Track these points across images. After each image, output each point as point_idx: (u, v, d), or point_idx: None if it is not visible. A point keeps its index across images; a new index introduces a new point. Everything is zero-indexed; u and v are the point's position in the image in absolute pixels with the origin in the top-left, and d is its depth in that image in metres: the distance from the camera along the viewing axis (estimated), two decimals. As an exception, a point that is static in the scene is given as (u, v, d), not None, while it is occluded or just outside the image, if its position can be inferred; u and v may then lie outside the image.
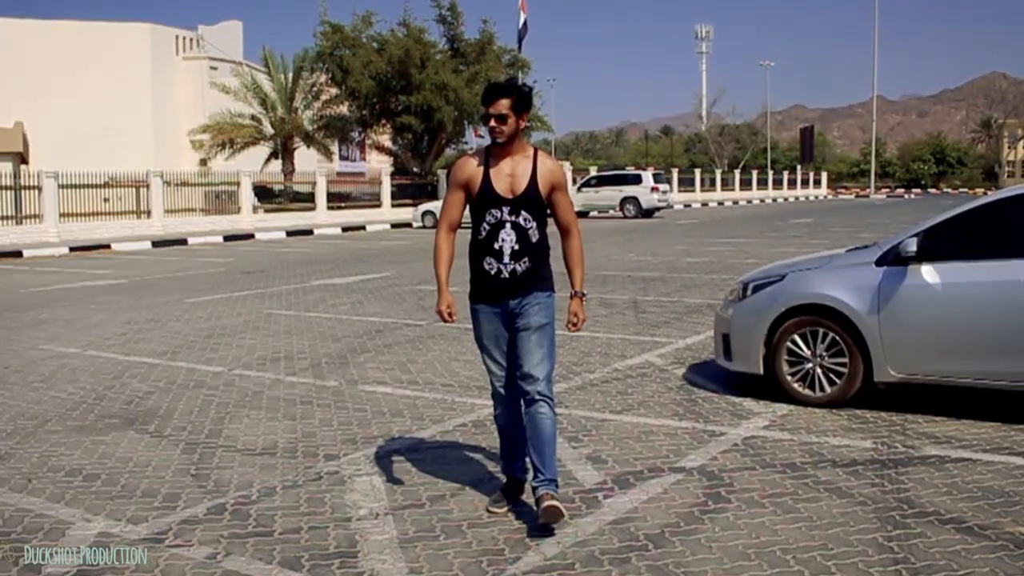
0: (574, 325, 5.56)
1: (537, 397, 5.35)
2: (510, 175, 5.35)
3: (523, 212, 5.33)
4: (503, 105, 5.29)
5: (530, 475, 5.59)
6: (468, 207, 5.48)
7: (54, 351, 11.33)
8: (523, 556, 4.96)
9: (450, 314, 5.51)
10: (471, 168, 5.43)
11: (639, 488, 6.04)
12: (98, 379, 9.67)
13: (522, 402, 5.48)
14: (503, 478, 5.92)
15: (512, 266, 5.34)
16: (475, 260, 5.44)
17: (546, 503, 5.27)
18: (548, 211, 5.49)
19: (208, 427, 7.75)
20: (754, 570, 4.74)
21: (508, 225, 5.33)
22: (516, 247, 5.33)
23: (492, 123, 5.32)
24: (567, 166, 61.94)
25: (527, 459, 5.61)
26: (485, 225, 5.36)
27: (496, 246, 5.34)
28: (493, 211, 5.34)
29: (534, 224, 5.37)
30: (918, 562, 4.82)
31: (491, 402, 5.78)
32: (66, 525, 5.53)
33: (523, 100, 5.35)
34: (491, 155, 5.42)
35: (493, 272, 5.37)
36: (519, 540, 5.12)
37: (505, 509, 5.65)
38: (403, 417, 7.95)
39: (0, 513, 5.75)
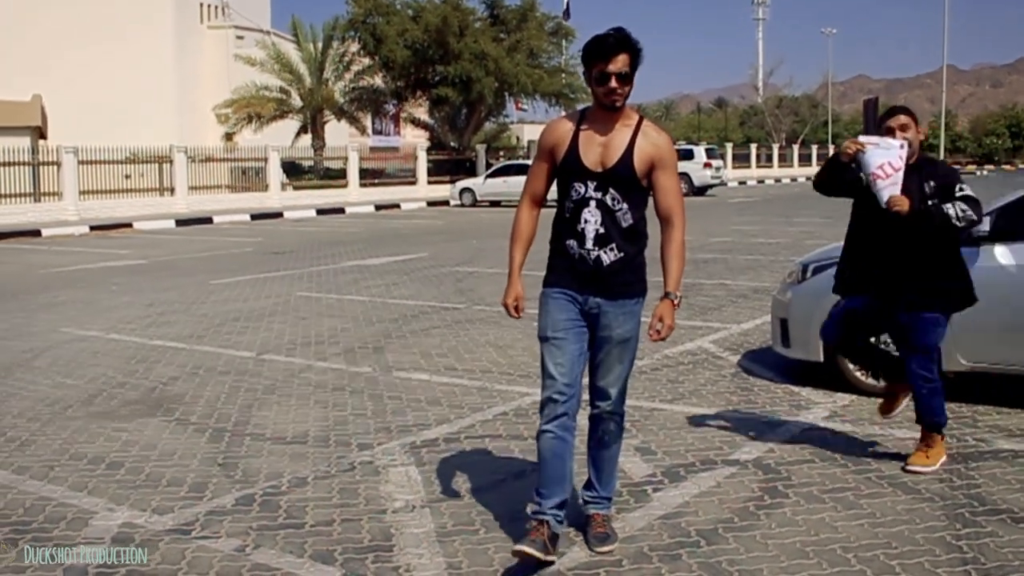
0: (658, 333, 4.79)
1: (607, 416, 5.07)
2: (603, 144, 4.80)
3: (611, 190, 4.77)
4: (623, 61, 4.71)
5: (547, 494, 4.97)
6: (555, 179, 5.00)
7: (74, 334, 11.48)
8: (567, 552, 4.98)
9: (517, 308, 5.02)
10: (560, 132, 4.91)
11: (691, 481, 6.04)
12: (120, 363, 9.79)
13: (589, 414, 5.14)
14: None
15: (596, 253, 4.79)
16: (556, 240, 4.94)
17: (596, 528, 5.11)
18: (649, 194, 4.91)
19: (236, 414, 7.83)
20: (812, 569, 4.75)
21: (593, 203, 4.79)
22: (601, 230, 4.78)
23: (612, 83, 4.70)
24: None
25: (564, 499, 4.93)
26: (568, 202, 4.86)
27: (579, 227, 4.81)
28: (577, 185, 4.81)
29: (625, 206, 4.79)
30: (989, 562, 4.80)
31: (533, 389, 5.65)
32: (89, 515, 5.62)
33: (639, 57, 4.78)
34: (587, 119, 4.89)
35: (576, 257, 4.84)
36: (563, 534, 5.13)
37: (536, 552, 4.75)
38: (440, 405, 7.99)
39: (21, 501, 5.85)
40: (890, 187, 5.96)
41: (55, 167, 33.38)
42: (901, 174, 5.95)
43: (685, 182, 45.88)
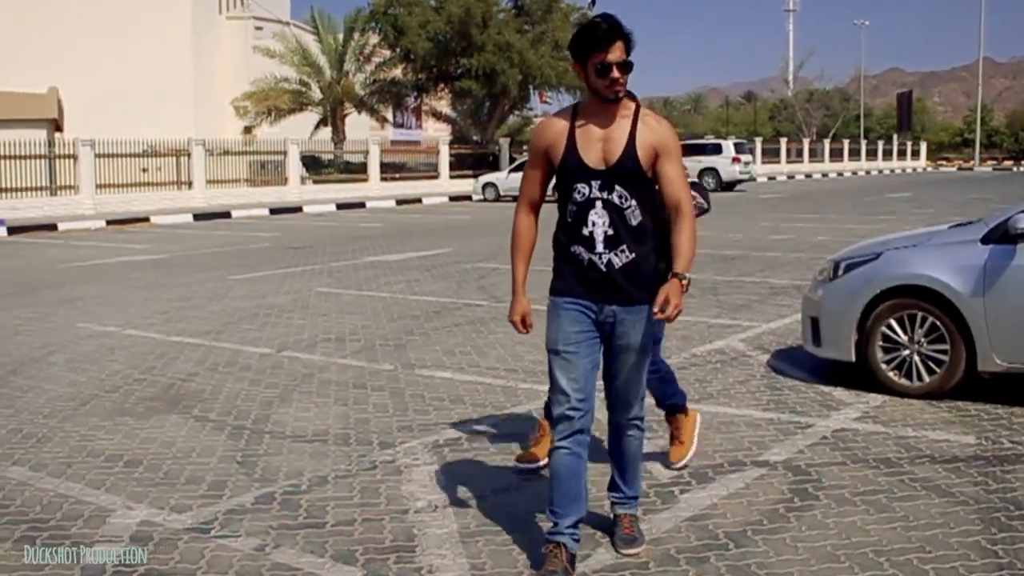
0: (662, 312, 4.52)
1: (630, 424, 5.01)
2: (602, 139, 4.62)
3: (617, 187, 4.61)
4: (620, 49, 4.55)
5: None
6: (554, 181, 4.84)
7: (92, 330, 11.55)
8: (593, 553, 4.99)
9: (524, 322, 4.88)
10: (554, 131, 4.72)
11: (719, 483, 6.05)
12: (138, 359, 9.85)
13: (610, 422, 5.08)
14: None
15: (608, 256, 4.63)
16: (561, 247, 4.78)
17: (624, 530, 5.07)
18: (656, 186, 4.76)
19: (255, 412, 7.87)
20: (844, 573, 4.74)
21: (599, 204, 4.61)
22: (610, 232, 4.61)
23: (615, 73, 4.54)
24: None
25: (580, 517, 4.84)
26: (572, 205, 4.67)
27: (586, 231, 4.64)
28: (580, 186, 4.63)
29: (633, 203, 4.63)
30: (1025, 567, 4.79)
31: None
32: (107, 512, 5.66)
33: (632, 43, 4.61)
34: (580, 114, 4.72)
35: (585, 263, 4.68)
36: (589, 535, 5.14)
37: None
38: (463, 404, 8.01)
39: (39, 499, 5.90)
40: None
41: (71, 160, 33.63)
42: None
43: (713, 177, 45.90)
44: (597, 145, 4.63)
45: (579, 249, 4.68)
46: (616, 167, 4.60)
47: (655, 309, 4.57)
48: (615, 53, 4.52)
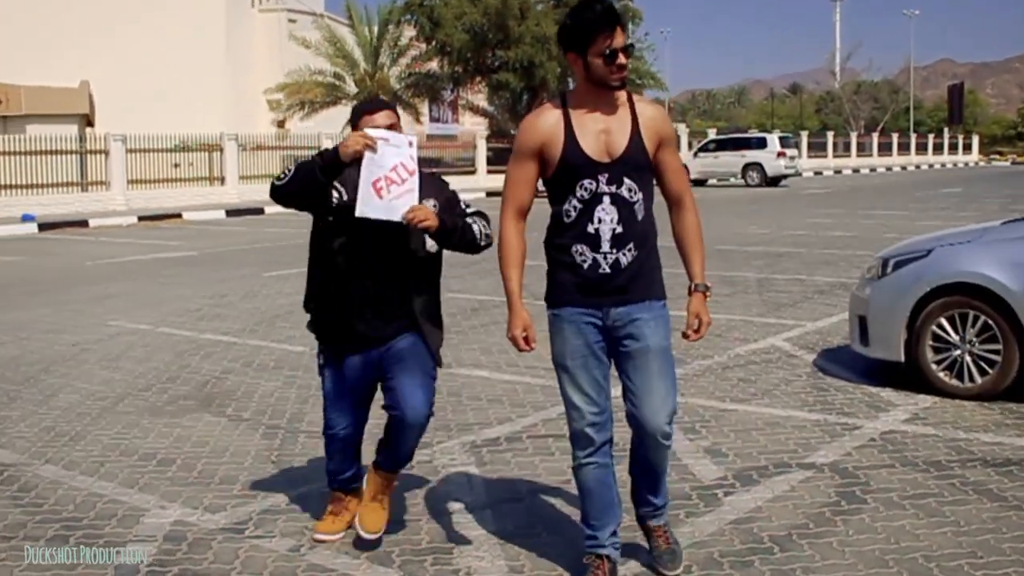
0: (696, 332, 4.51)
1: (657, 444, 4.58)
2: (603, 131, 4.38)
3: (626, 180, 4.37)
4: (621, 32, 4.32)
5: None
6: (546, 181, 4.53)
7: (124, 327, 11.67)
8: (634, 556, 4.99)
9: (527, 339, 4.59)
10: (547, 126, 4.42)
11: (763, 485, 6.04)
12: (171, 357, 9.94)
13: (633, 440, 4.72)
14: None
15: (614, 256, 4.38)
16: (557, 251, 4.51)
17: (663, 544, 4.85)
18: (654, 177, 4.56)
19: (290, 411, 7.92)
20: (893, 578, 4.73)
21: (607, 199, 4.36)
22: (618, 229, 4.36)
23: (622, 59, 4.32)
24: (682, 129, 61.59)
25: (618, 523, 4.73)
26: (575, 202, 4.39)
27: (591, 229, 4.37)
28: (586, 182, 4.36)
29: (640, 196, 4.41)
30: (1081, 573, 4.76)
31: None
32: (140, 512, 5.72)
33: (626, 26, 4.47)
34: (572, 104, 4.44)
35: (587, 265, 4.40)
36: (629, 539, 5.15)
37: None
38: (502, 403, 8.04)
39: (72, 498, 5.98)
40: (407, 196, 4.85)
41: (103, 156, 33.90)
42: (417, 178, 4.92)
43: (757, 172, 45.74)
44: (600, 137, 4.37)
45: (582, 248, 4.40)
46: (624, 159, 4.37)
47: (686, 331, 4.50)
48: (620, 38, 4.28)
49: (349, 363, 5.20)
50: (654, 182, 4.54)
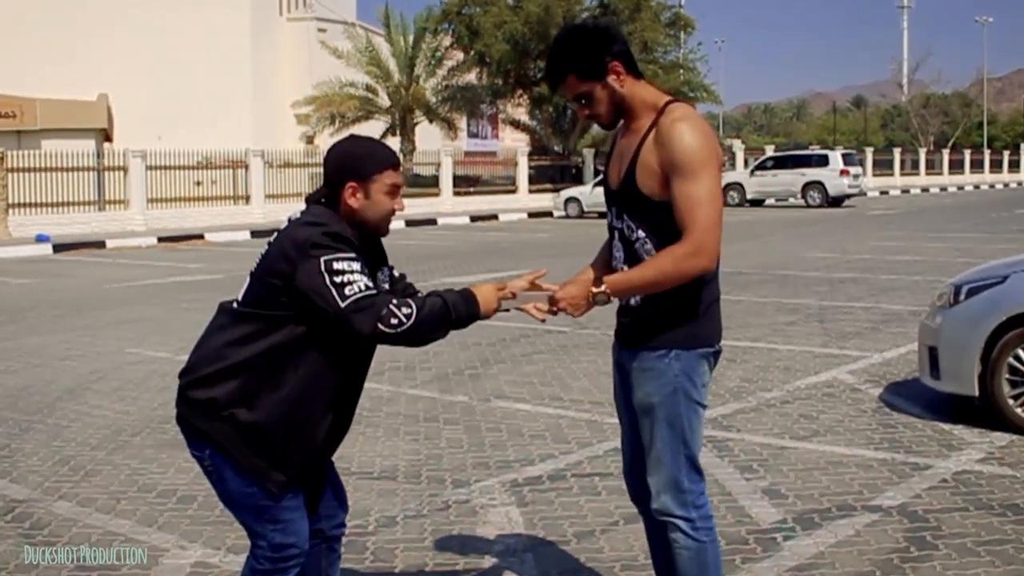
0: (553, 304, 4.10)
1: (664, 523, 4.21)
2: (620, 156, 4.18)
3: (625, 216, 4.13)
4: (571, 86, 4.08)
5: None
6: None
7: (143, 355, 11.75)
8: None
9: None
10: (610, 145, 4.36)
11: (826, 529, 6.00)
12: (193, 388, 9.96)
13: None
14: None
15: (626, 297, 4.17)
16: None
17: None
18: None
19: (318, 446, 7.93)
20: (967, 631, 4.69)
21: (616, 234, 4.21)
22: (624, 268, 4.14)
23: (579, 109, 4.22)
24: (737, 145, 61.45)
25: None
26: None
27: (614, 264, 4.26)
28: (610, 213, 4.27)
29: (640, 234, 4.08)
30: None
31: None
32: (160, 552, 5.76)
33: (586, 59, 4.02)
34: (623, 125, 4.24)
35: (620, 303, 4.25)
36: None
37: None
38: (544, 439, 8.03)
39: (87, 536, 6.01)
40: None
41: (121, 172, 34.17)
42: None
43: (818, 192, 45.53)
44: (615, 164, 4.22)
45: None
46: (617, 192, 4.17)
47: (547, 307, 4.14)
48: (563, 91, 4.13)
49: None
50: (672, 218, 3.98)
